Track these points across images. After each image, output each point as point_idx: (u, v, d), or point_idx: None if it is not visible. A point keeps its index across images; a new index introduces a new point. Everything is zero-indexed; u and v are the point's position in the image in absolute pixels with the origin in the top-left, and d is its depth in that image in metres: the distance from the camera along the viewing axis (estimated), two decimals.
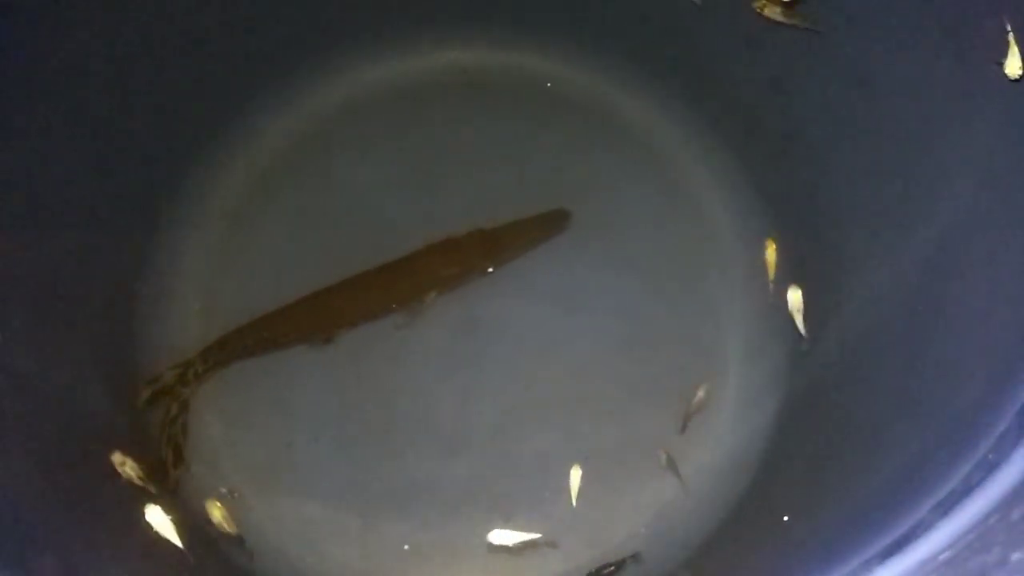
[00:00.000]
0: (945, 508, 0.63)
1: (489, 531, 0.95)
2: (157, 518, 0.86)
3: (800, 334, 0.98)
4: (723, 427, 1.07)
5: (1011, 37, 0.77)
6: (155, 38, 1.02)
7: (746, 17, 1.01)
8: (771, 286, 1.04)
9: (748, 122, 1.12)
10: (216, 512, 0.95)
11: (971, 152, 0.84)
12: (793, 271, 1.05)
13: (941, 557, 0.59)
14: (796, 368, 1.05)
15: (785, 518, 0.90)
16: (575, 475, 1.00)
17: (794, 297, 0.98)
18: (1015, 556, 0.55)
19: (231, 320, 1.08)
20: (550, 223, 1.15)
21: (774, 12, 0.96)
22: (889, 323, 0.92)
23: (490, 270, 1.13)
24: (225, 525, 0.96)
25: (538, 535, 0.96)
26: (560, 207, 1.14)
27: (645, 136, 1.19)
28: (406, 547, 1.04)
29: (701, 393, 1.04)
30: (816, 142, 1.05)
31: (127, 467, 0.91)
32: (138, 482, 0.91)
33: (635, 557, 0.99)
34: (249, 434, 1.08)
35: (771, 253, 1.04)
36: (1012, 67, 0.78)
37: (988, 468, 0.64)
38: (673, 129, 1.19)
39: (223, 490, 1.04)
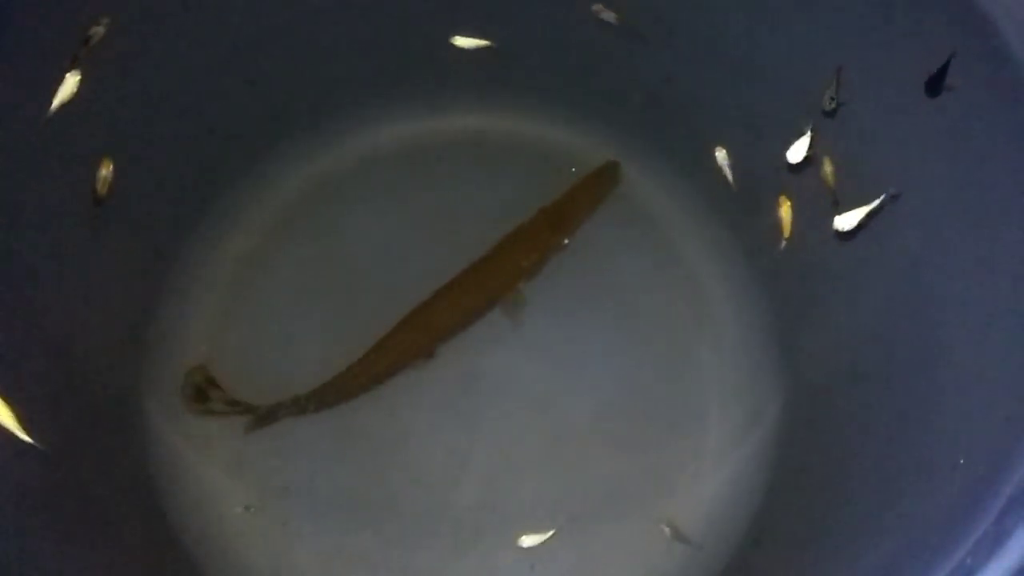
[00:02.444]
0: None
1: None
2: None
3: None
4: (708, 498, 1.08)
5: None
6: (183, 89, 1.05)
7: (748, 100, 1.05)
8: (783, 243, 1.03)
9: (747, 201, 1.15)
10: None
11: None
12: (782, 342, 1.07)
13: None
14: (783, 445, 1.07)
15: None
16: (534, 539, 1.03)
17: None
18: None
19: (238, 365, 1.10)
20: (603, 178, 1.19)
21: (608, 16, 1.03)
22: (871, 422, 0.95)
23: (566, 242, 1.17)
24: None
25: None
26: (608, 159, 1.19)
27: (645, 203, 1.22)
28: None
29: None
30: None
31: None
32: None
33: None
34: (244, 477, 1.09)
35: (786, 211, 1.02)
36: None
37: (965, 572, 0.65)
38: (672, 198, 1.22)
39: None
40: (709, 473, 1.09)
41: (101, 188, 0.96)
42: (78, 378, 0.99)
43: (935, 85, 0.86)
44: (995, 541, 0.66)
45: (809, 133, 0.93)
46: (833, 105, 0.97)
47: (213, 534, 1.06)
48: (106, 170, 0.95)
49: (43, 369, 0.94)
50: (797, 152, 0.95)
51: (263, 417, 1.06)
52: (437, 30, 1.12)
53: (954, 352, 0.85)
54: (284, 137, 1.21)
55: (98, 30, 0.90)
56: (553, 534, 1.05)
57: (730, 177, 1.06)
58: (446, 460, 1.11)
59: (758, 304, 1.16)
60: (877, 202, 0.91)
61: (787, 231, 1.02)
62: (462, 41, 1.09)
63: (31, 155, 0.92)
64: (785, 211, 1.02)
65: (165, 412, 1.08)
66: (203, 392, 1.06)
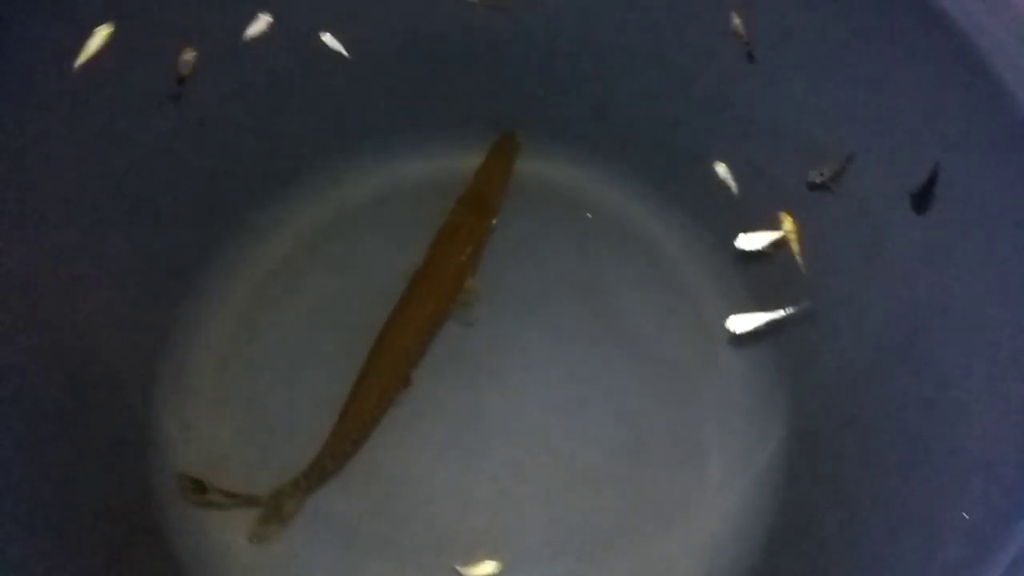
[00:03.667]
0: None
1: None
2: None
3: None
4: (710, 537, 1.10)
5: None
6: (198, 126, 1.07)
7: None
8: (798, 258, 1.03)
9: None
10: None
11: None
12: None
13: None
14: (785, 487, 1.09)
15: None
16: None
17: None
18: None
19: (249, 401, 1.10)
20: (506, 152, 1.21)
21: None
22: (872, 468, 0.98)
23: (494, 222, 1.18)
24: None
25: None
26: (502, 132, 1.21)
27: (652, 243, 1.25)
28: None
29: None
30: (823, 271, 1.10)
31: None
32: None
33: None
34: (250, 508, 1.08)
35: (789, 223, 1.02)
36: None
37: None
38: (682, 239, 1.24)
39: None
40: (711, 511, 1.11)
41: (183, 70, 1.03)
42: (89, 404, 0.98)
43: (922, 201, 0.89)
44: None
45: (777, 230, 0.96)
46: (820, 179, 1.00)
47: (217, 564, 1.05)
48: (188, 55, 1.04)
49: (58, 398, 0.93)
50: (752, 241, 0.97)
51: (267, 516, 1.04)
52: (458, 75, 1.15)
53: (963, 407, 0.88)
54: (302, 173, 1.23)
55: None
56: (556, 570, 1.06)
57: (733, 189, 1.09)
58: (450, 495, 1.11)
59: (762, 345, 1.17)
60: (783, 313, 0.94)
61: (797, 249, 1.02)
62: None
63: None
64: (789, 224, 1.02)
65: (172, 441, 1.08)
66: (200, 484, 1.03)
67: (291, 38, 1.10)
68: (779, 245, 1.01)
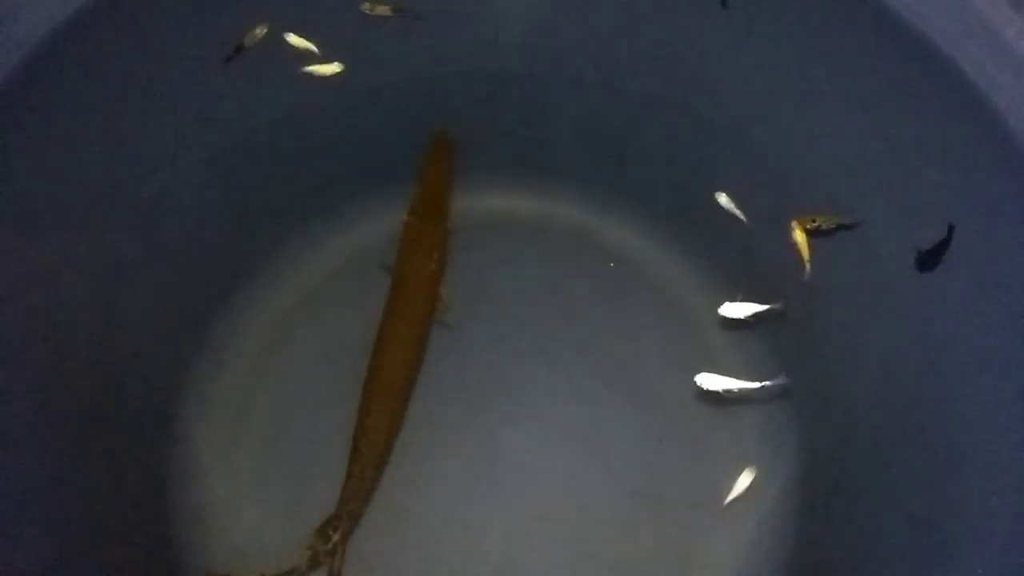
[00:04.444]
0: None
1: None
2: None
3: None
4: None
5: None
6: (224, 170, 1.10)
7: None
8: (807, 266, 1.03)
9: (770, 288, 1.19)
10: None
11: None
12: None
13: None
14: (801, 529, 1.09)
15: None
16: None
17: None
18: None
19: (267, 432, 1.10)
20: (442, 153, 1.20)
21: (383, 10, 1.10)
22: (890, 510, 0.98)
23: (450, 226, 1.18)
24: None
25: None
26: (434, 132, 1.20)
27: (666, 287, 1.26)
28: None
29: None
30: (836, 323, 1.12)
31: None
32: None
33: None
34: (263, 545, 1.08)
35: (799, 235, 1.02)
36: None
37: None
38: (697, 283, 1.25)
39: None
40: (726, 555, 1.11)
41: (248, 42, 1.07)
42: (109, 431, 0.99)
43: (928, 260, 0.89)
44: None
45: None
46: (812, 227, 1.01)
47: None
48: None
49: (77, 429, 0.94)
50: (736, 310, 0.99)
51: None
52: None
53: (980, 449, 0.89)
54: (317, 215, 1.25)
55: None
56: None
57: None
58: (463, 535, 1.11)
59: (777, 386, 1.17)
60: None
61: (806, 255, 1.02)
62: None
63: None
64: (800, 236, 1.02)
65: (190, 470, 1.09)
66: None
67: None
68: (762, 316, 1.02)
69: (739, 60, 1.11)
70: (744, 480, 1.06)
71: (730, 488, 1.11)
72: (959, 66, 0.92)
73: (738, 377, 1.01)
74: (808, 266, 1.02)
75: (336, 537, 1.01)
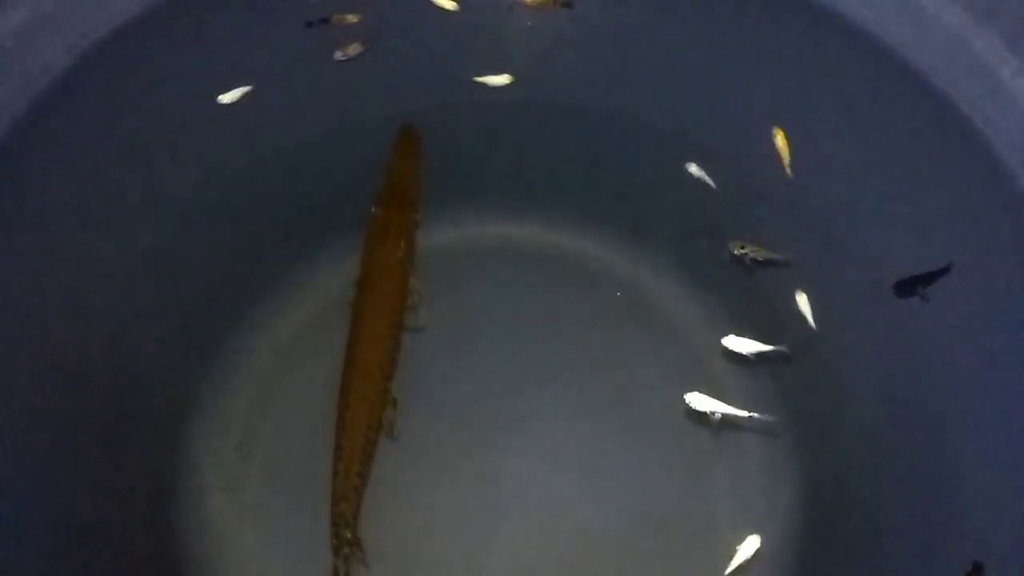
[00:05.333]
0: None
1: None
2: None
3: None
4: None
5: None
6: (244, 193, 1.12)
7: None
8: (787, 169, 1.05)
9: (771, 318, 1.20)
10: None
11: None
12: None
13: None
14: (800, 560, 1.09)
15: None
16: None
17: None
18: None
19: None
20: (407, 145, 1.19)
21: (355, 48, 1.11)
22: (885, 556, 0.98)
23: (418, 216, 1.18)
24: None
25: None
26: (402, 126, 1.19)
27: (666, 316, 1.27)
28: None
29: None
30: (838, 348, 1.13)
31: None
32: None
33: None
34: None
35: (781, 139, 1.04)
36: None
37: None
38: (699, 313, 1.26)
39: None
40: None
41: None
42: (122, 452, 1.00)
43: (907, 288, 0.92)
44: None
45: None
46: (740, 252, 1.04)
47: None
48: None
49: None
50: (739, 345, 1.00)
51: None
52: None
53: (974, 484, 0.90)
54: (323, 239, 1.26)
55: None
56: None
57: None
58: (463, 562, 1.11)
59: (776, 415, 1.15)
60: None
61: (786, 158, 1.04)
62: None
63: None
64: (780, 139, 1.04)
65: (200, 495, 1.10)
66: None
67: None
68: (763, 357, 1.04)
69: (742, 94, 1.13)
70: (749, 547, 1.05)
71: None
72: (955, 102, 0.93)
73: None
74: (788, 169, 1.03)
75: (348, 535, 1.02)
